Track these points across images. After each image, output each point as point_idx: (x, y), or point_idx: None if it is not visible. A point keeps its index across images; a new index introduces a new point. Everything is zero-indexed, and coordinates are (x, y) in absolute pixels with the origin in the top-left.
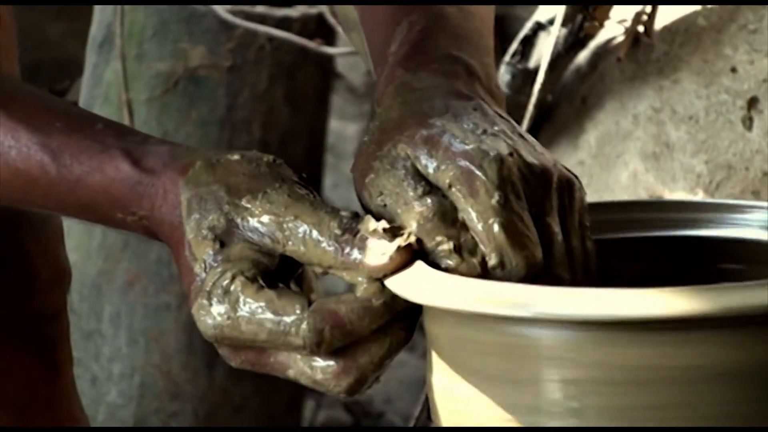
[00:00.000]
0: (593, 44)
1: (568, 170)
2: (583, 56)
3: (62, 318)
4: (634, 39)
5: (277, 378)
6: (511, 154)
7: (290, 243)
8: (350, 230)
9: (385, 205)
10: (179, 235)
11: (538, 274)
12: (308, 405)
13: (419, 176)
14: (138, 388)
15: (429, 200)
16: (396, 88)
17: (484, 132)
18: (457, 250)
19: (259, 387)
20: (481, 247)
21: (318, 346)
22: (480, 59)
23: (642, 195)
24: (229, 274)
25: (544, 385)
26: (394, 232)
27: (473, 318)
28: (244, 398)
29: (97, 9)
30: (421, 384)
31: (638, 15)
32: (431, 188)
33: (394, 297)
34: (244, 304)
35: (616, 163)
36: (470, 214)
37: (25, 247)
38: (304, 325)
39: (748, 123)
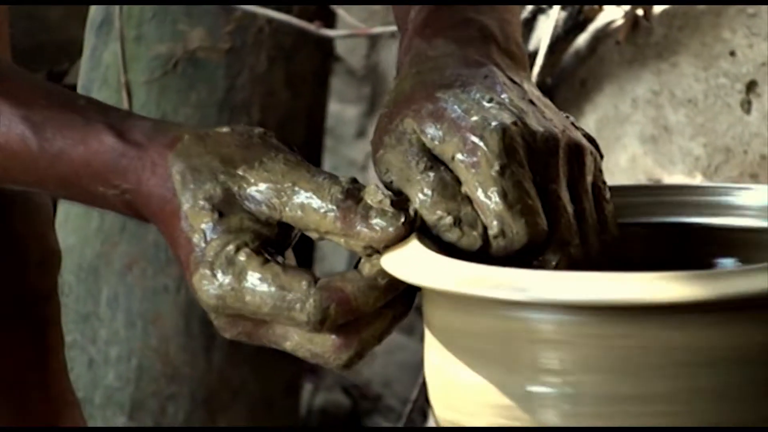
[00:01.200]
0: (592, 27)
1: (583, 133)
2: (582, 39)
3: (53, 300)
4: (633, 22)
5: (275, 361)
6: (515, 123)
7: (287, 209)
8: (352, 197)
9: (391, 182)
10: (172, 208)
11: (546, 241)
12: (306, 388)
13: (423, 151)
14: (135, 370)
15: (431, 174)
16: (412, 58)
17: (491, 101)
18: (458, 223)
19: (257, 370)
20: (482, 217)
21: (321, 324)
22: (499, 17)
23: (641, 178)
24: (232, 246)
25: (538, 369)
26: (398, 204)
27: (468, 301)
28: (242, 381)
29: None
30: (420, 367)
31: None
32: (434, 163)
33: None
34: (250, 276)
35: (615, 147)
36: (471, 185)
37: (14, 230)
38: (309, 302)
39: (746, 106)
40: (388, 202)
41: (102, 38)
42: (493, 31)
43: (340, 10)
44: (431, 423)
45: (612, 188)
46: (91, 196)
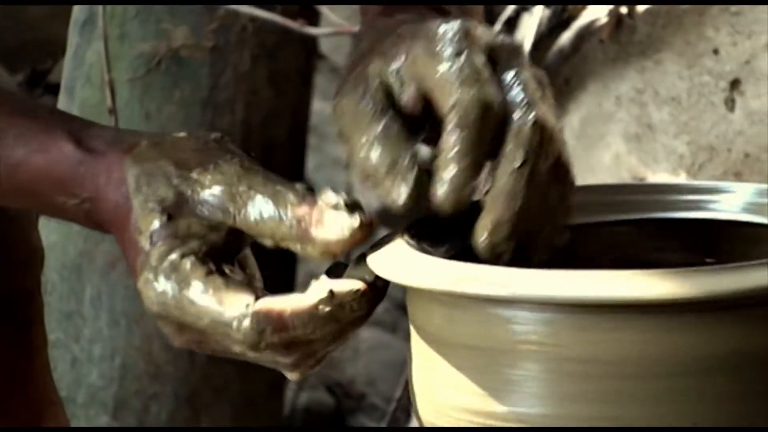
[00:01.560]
0: (576, 25)
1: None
2: (566, 37)
3: (36, 299)
4: (617, 20)
5: None
6: (477, 25)
7: (242, 214)
8: (307, 202)
9: (343, 130)
10: (125, 212)
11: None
12: (290, 386)
13: (381, 94)
14: (119, 369)
15: (382, 122)
16: (374, 30)
17: (465, 33)
18: (391, 169)
19: (241, 368)
20: (441, 98)
21: (256, 346)
22: (460, 8)
23: (625, 176)
24: (178, 252)
25: (521, 368)
26: (354, 207)
27: (452, 299)
28: (225, 380)
29: None
30: (403, 366)
31: None
32: (388, 108)
33: (342, 306)
34: (192, 287)
35: (599, 145)
36: (430, 74)
37: None
38: (245, 323)
39: (730, 104)
40: (343, 204)
41: (85, 37)
42: (454, 12)
43: (324, 9)
44: (415, 422)
45: (596, 186)
46: (52, 208)
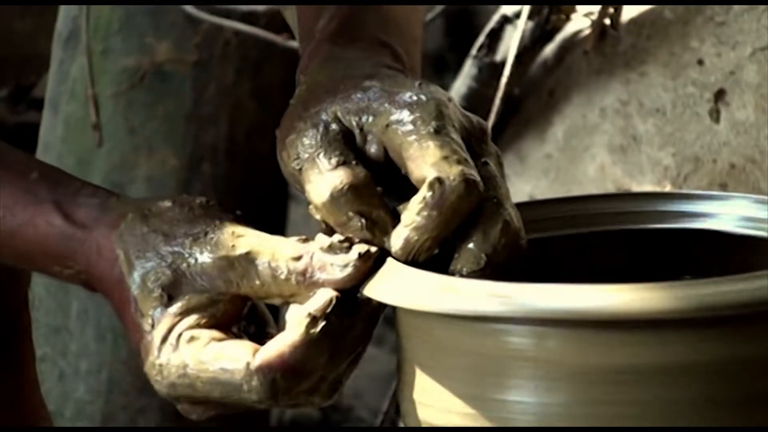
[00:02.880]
0: (560, 37)
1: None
2: (549, 49)
3: (23, 314)
4: (601, 32)
5: None
6: (449, 99)
7: (245, 281)
8: (305, 253)
9: (300, 169)
10: (122, 292)
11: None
12: None
13: (339, 142)
14: (106, 383)
15: (342, 173)
16: (323, 60)
17: (420, 86)
18: (369, 227)
19: None
20: (419, 169)
21: (274, 397)
22: (406, 47)
23: (610, 188)
24: (176, 331)
25: (511, 381)
26: (347, 241)
27: (441, 314)
28: None
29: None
30: (390, 379)
31: (605, 8)
32: (348, 158)
33: (328, 320)
34: (193, 362)
35: (584, 157)
36: (406, 143)
37: None
38: (254, 382)
39: (715, 115)
40: (337, 243)
41: (69, 52)
42: (402, 56)
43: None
44: None
45: (581, 197)
46: (50, 273)
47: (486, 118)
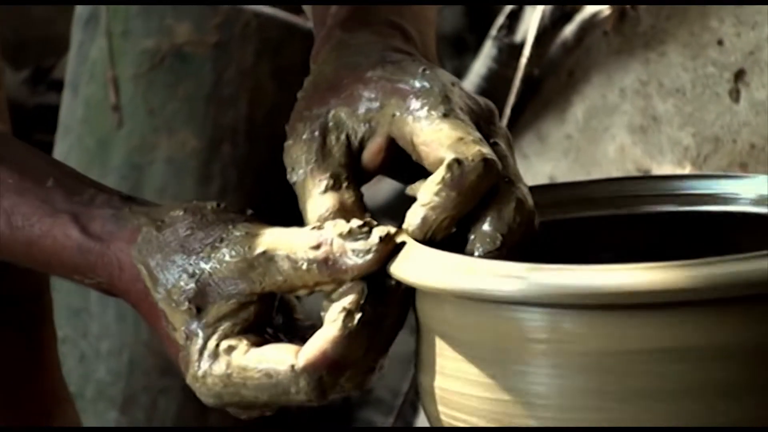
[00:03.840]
0: (579, 18)
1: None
2: (569, 30)
3: (44, 296)
4: (621, 12)
5: None
6: (453, 84)
7: (267, 279)
8: (324, 242)
9: (295, 183)
10: (150, 306)
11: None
12: None
13: (334, 157)
14: (127, 365)
15: (330, 200)
16: (332, 47)
17: (424, 71)
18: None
19: None
20: (435, 152)
21: (322, 395)
22: (418, 27)
23: (629, 168)
24: (214, 339)
25: (530, 362)
26: (366, 225)
27: (462, 296)
28: None
29: None
30: (410, 359)
31: None
32: (339, 178)
33: (363, 311)
34: (236, 370)
35: (604, 137)
36: (417, 130)
37: None
38: (302, 383)
39: (734, 95)
40: (356, 228)
41: (89, 33)
42: (414, 37)
43: None
44: (422, 416)
45: (599, 180)
46: (70, 281)
47: (506, 98)
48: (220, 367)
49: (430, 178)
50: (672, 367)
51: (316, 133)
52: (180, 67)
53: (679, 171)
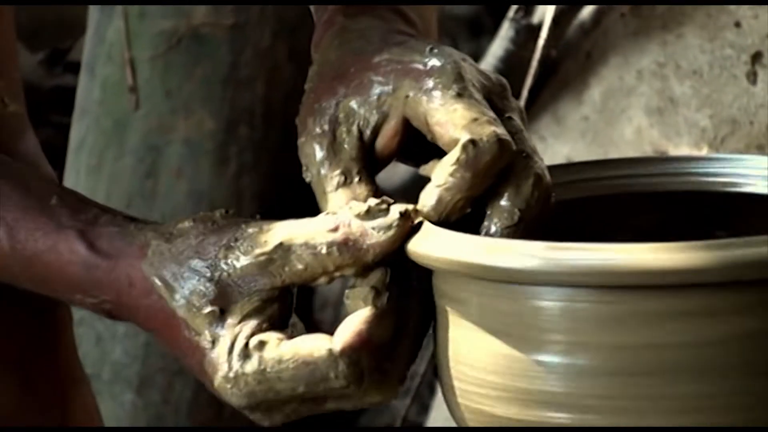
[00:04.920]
0: None
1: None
2: (586, 11)
3: None
4: None
5: None
6: (464, 60)
7: (287, 270)
8: (341, 224)
9: (310, 182)
10: (167, 318)
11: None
12: None
13: (346, 151)
14: (143, 346)
15: (342, 195)
16: (334, 33)
17: (432, 50)
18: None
19: None
20: (449, 132)
21: (360, 380)
22: (420, 12)
23: (647, 150)
24: (242, 338)
25: (544, 341)
26: (384, 203)
27: (480, 275)
28: None
29: None
30: (428, 341)
31: None
32: (350, 173)
33: (392, 290)
34: (270, 364)
35: (621, 119)
36: (431, 111)
37: None
38: (341, 366)
39: (752, 77)
40: (374, 207)
41: (106, 15)
42: (415, 21)
43: None
44: (439, 397)
45: (615, 160)
46: (67, 300)
47: (523, 80)
48: (252, 365)
49: (445, 159)
50: (689, 346)
51: (326, 128)
52: (197, 49)
53: (696, 153)
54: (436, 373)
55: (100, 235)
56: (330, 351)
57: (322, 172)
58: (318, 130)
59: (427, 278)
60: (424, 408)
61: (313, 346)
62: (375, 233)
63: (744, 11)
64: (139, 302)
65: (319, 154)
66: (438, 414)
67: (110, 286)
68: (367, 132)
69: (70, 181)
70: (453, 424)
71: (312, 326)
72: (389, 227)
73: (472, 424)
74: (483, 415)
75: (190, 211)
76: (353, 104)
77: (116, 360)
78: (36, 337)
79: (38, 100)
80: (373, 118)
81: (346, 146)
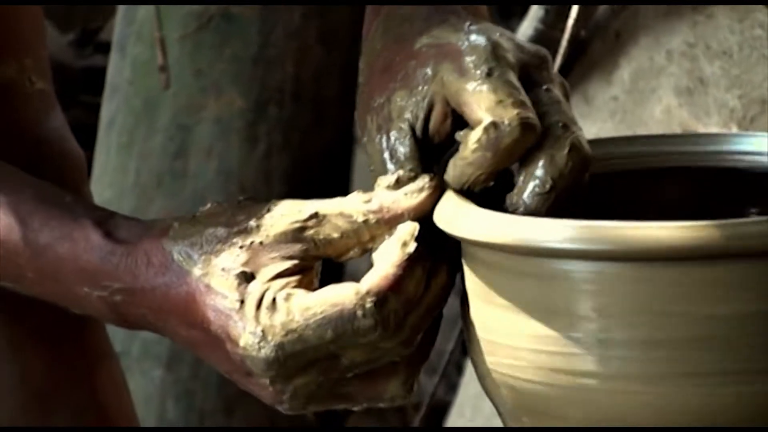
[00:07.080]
0: None
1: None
2: None
3: None
4: None
5: None
6: (501, 34)
7: (321, 238)
8: (374, 196)
9: (375, 177)
10: (184, 290)
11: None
12: None
13: (405, 146)
14: None
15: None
16: (380, 19)
17: (470, 26)
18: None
19: None
20: (474, 113)
21: (387, 324)
22: (472, 9)
23: (676, 130)
24: (269, 295)
25: (574, 316)
26: (412, 171)
27: (509, 251)
28: None
29: None
30: (455, 320)
31: None
32: (406, 168)
33: (420, 246)
34: (298, 312)
35: (650, 99)
36: (461, 90)
37: None
38: (368, 305)
39: None
40: (404, 176)
41: None
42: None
43: None
44: (467, 376)
45: (644, 136)
46: (71, 296)
47: (552, 60)
48: (280, 315)
49: (471, 135)
50: (721, 318)
51: (382, 128)
52: (227, 28)
53: (725, 131)
54: (464, 352)
55: (117, 226)
56: (357, 290)
57: (384, 162)
58: (375, 130)
59: (457, 251)
60: (452, 387)
61: (341, 289)
62: (407, 198)
63: None
64: (154, 281)
65: (377, 156)
66: (465, 392)
67: (127, 269)
68: (418, 126)
69: (100, 159)
70: (480, 404)
71: None
72: (421, 189)
73: (504, 394)
74: (515, 386)
75: (220, 190)
76: (401, 100)
77: (145, 336)
78: (64, 313)
79: (69, 81)
80: (421, 113)
81: (400, 147)
